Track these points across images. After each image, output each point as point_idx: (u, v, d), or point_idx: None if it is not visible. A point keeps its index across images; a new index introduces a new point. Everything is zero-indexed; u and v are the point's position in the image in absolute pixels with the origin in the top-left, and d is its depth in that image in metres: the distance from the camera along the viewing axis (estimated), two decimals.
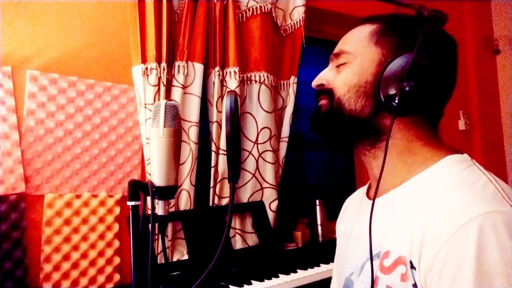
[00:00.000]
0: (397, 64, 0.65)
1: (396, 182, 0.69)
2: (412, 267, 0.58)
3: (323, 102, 0.74)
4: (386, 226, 0.66)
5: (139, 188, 0.68)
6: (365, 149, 0.73)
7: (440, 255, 0.55)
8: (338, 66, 0.73)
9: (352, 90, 0.69)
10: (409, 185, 0.67)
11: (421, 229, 0.58)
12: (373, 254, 0.66)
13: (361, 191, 0.87)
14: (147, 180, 0.79)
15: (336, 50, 0.75)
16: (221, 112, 1.82)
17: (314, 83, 0.76)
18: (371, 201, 0.72)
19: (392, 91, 0.64)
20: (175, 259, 1.67)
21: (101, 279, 1.54)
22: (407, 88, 0.62)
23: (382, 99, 0.65)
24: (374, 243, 0.65)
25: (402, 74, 0.63)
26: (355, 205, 0.86)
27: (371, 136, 0.70)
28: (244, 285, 1.57)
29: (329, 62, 0.77)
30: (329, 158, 2.53)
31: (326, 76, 0.74)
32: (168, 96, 1.70)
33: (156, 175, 0.69)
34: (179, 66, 1.70)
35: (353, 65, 0.70)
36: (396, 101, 0.64)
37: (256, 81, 1.92)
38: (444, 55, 0.69)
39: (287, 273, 1.68)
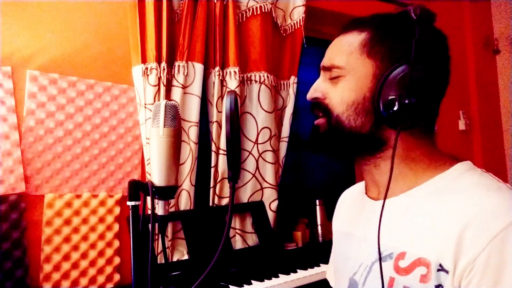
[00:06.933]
0: (395, 78, 0.64)
1: (404, 187, 0.68)
2: (442, 269, 0.58)
3: (320, 121, 0.72)
4: (399, 228, 0.66)
5: (139, 188, 0.67)
6: (365, 159, 0.72)
7: (481, 257, 0.55)
8: (331, 79, 0.71)
9: (351, 108, 0.68)
10: (424, 189, 0.66)
11: (455, 231, 0.57)
12: (384, 254, 0.66)
13: (357, 188, 0.86)
14: (147, 180, 0.79)
15: (326, 63, 0.72)
16: (221, 112, 1.82)
17: (309, 95, 0.74)
18: (376, 201, 0.73)
19: (393, 107, 0.64)
20: (175, 259, 1.66)
21: (101, 279, 1.54)
22: (409, 103, 0.63)
23: (384, 115, 0.65)
24: (386, 244, 0.66)
25: (402, 90, 0.63)
26: (353, 203, 0.85)
27: (371, 148, 0.70)
28: (244, 285, 1.56)
29: (320, 72, 0.75)
30: (329, 158, 2.52)
31: (320, 88, 0.72)
32: (168, 96, 1.70)
33: (156, 175, 0.69)
34: (179, 66, 1.70)
35: (348, 79, 0.69)
36: (399, 117, 0.64)
37: (256, 81, 1.92)
38: (438, 56, 0.68)
39: (287, 273, 1.68)
